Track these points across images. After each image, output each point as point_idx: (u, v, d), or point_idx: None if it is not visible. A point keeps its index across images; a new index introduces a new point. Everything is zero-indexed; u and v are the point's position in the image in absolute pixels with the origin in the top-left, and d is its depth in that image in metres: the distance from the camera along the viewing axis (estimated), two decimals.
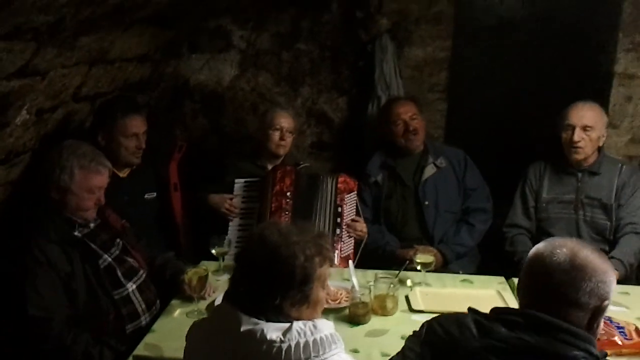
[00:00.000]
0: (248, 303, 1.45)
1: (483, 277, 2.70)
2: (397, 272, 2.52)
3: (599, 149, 2.93)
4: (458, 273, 3.03)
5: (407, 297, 2.42)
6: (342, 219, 2.93)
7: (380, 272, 2.41)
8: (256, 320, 1.42)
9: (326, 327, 1.48)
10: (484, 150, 3.51)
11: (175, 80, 3.83)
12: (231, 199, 3.02)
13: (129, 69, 3.18)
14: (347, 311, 2.25)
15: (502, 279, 2.65)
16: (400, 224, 3.21)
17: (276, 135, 3.11)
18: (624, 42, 3.39)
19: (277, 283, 1.43)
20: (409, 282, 2.56)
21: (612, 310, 2.29)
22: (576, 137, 2.82)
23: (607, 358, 1.46)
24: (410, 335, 1.60)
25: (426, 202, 3.15)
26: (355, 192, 3.03)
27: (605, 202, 2.87)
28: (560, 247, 1.44)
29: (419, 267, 2.53)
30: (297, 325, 1.42)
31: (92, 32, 2.43)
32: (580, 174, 2.94)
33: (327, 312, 2.24)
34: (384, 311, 2.27)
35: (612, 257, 2.71)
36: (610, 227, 2.88)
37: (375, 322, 2.23)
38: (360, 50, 3.61)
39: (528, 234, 3.08)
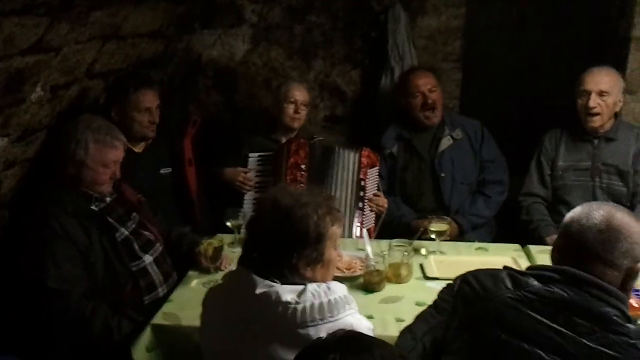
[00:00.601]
0: (262, 266, 1.48)
1: (498, 244, 2.70)
2: (411, 241, 2.52)
3: (616, 115, 2.88)
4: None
5: (421, 265, 2.42)
6: (364, 193, 2.94)
7: (394, 241, 2.41)
8: (270, 282, 1.44)
9: (339, 289, 1.50)
10: (500, 119, 3.49)
11: (188, 56, 3.83)
12: (245, 173, 3.04)
13: (142, 45, 3.19)
14: (361, 279, 2.27)
15: (518, 246, 2.64)
16: (416, 196, 3.21)
17: (291, 108, 3.11)
18: None
19: (293, 242, 1.46)
20: (423, 251, 2.56)
21: None
22: (592, 103, 2.77)
23: None
24: (443, 288, 1.64)
25: (442, 174, 3.14)
26: (378, 167, 3.03)
27: (622, 169, 2.84)
28: (597, 209, 1.47)
29: (433, 236, 2.54)
30: (312, 287, 1.45)
31: (104, 6, 2.44)
32: (596, 141, 2.90)
33: (342, 281, 2.24)
34: (398, 279, 2.28)
35: None
36: (627, 193, 2.84)
37: (389, 289, 2.24)
38: (373, 21, 3.58)
39: (544, 202, 3.06)
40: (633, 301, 2.00)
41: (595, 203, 1.52)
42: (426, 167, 3.19)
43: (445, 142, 3.16)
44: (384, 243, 2.65)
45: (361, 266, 2.33)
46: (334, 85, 3.78)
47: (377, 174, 3.04)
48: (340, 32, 3.68)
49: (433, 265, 2.41)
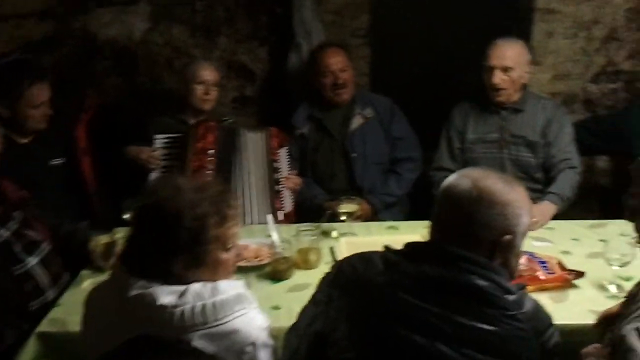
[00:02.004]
0: (140, 265, 1.33)
1: (409, 222, 2.66)
2: (319, 224, 2.44)
3: (524, 86, 2.88)
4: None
5: (331, 249, 2.34)
6: (279, 175, 2.83)
7: (302, 225, 2.32)
8: (147, 283, 1.29)
9: (231, 287, 1.37)
10: (412, 96, 3.44)
11: (84, 37, 3.56)
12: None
13: (28, 26, 2.92)
14: (269, 268, 2.16)
15: (429, 222, 2.59)
16: (328, 176, 3.13)
17: (200, 89, 2.94)
18: None
19: (162, 243, 1.31)
20: (334, 234, 2.48)
21: (536, 246, 2.32)
22: (496, 79, 2.75)
23: (533, 295, 1.43)
24: (321, 278, 1.52)
25: (354, 154, 3.07)
26: (287, 146, 2.92)
27: (530, 140, 2.85)
28: (464, 176, 1.37)
29: (343, 217, 2.45)
30: (194, 287, 1.31)
31: None
32: (504, 112, 2.89)
33: (248, 270, 2.15)
34: (307, 264, 2.19)
35: (549, 192, 2.69)
36: (536, 164, 2.86)
37: (298, 276, 2.15)
38: None
39: None
40: (540, 273, 2.00)
41: (467, 170, 1.42)
42: (337, 147, 3.11)
43: (357, 121, 3.09)
44: (294, 227, 2.56)
45: (269, 254, 2.22)
46: (240, 64, 3.62)
47: (287, 152, 2.92)
48: (243, 7, 3.51)
49: (344, 248, 2.33)
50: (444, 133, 3.07)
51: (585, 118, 3.39)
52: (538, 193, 2.88)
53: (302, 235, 2.22)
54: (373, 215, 3.00)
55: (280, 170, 2.84)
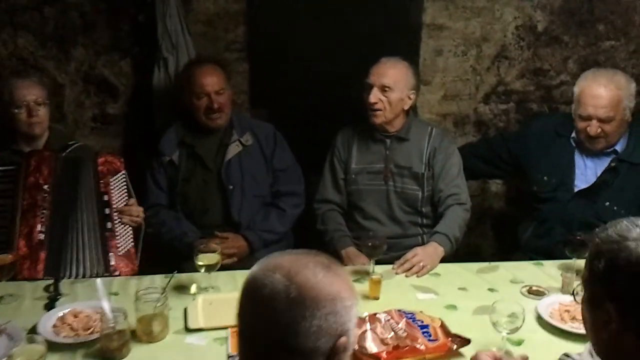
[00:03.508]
0: None
1: None
2: (171, 276, 2.07)
3: (407, 113, 2.63)
4: None
5: (185, 311, 1.97)
6: (111, 209, 2.39)
7: (145, 284, 1.93)
8: None
9: None
10: (296, 114, 3.16)
11: None
12: None
13: None
14: (99, 344, 1.75)
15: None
16: (200, 210, 2.75)
17: (22, 113, 2.45)
18: None
19: None
20: (193, 288, 2.11)
21: (420, 299, 2.06)
22: (372, 98, 2.50)
23: None
24: None
25: (231, 187, 2.70)
26: (124, 171, 2.47)
27: (416, 171, 2.60)
28: (274, 269, 1.05)
29: (202, 270, 2.09)
30: None
31: None
32: (388, 141, 2.63)
33: (74, 348, 1.74)
34: (149, 337, 1.80)
35: (436, 232, 2.46)
36: (422, 197, 2.62)
37: (137, 353, 1.76)
38: (141, 2, 3.01)
39: (340, 209, 2.76)
40: (420, 342, 1.72)
41: (275, 258, 1.09)
42: (212, 178, 2.74)
43: (234, 149, 2.73)
44: (147, 280, 2.18)
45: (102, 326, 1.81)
46: (101, 77, 3.17)
47: (124, 180, 2.47)
48: (103, 14, 3.07)
49: (199, 310, 1.96)
50: (328, 161, 2.78)
51: (477, 143, 3.20)
52: (426, 228, 2.66)
53: (143, 300, 1.82)
54: (250, 253, 2.66)
55: (112, 202, 2.41)
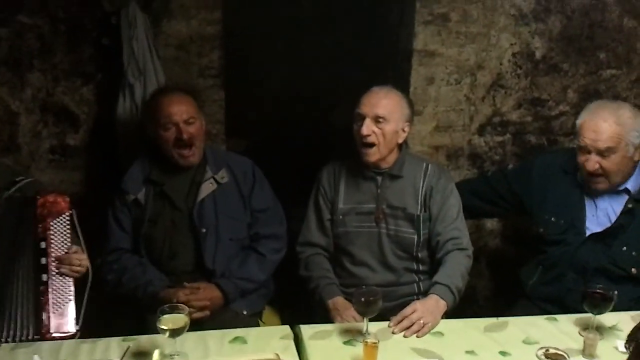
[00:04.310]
0: None
1: (261, 330, 2.06)
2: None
3: (400, 147, 2.37)
4: (242, 314, 2.38)
5: None
6: (48, 258, 2.05)
7: (99, 350, 1.62)
8: None
9: None
10: (276, 146, 2.91)
11: None
12: None
13: None
14: None
15: (286, 328, 1.99)
16: (167, 255, 2.43)
17: None
18: (422, 13, 2.87)
19: None
20: (155, 355, 1.79)
21: None
22: (365, 130, 2.25)
23: None
24: None
25: (204, 229, 2.40)
26: (68, 212, 2.13)
27: (410, 212, 2.34)
28: None
29: (166, 335, 1.77)
30: None
31: None
32: (380, 178, 2.37)
33: None
34: None
35: (437, 283, 2.18)
36: (417, 241, 2.35)
37: None
38: (105, 24, 2.73)
39: (325, 252, 2.48)
40: None
41: None
42: (183, 220, 2.43)
43: (207, 187, 2.43)
44: (101, 344, 1.86)
45: None
46: (60, 105, 2.87)
47: (67, 223, 2.13)
48: (63, 37, 2.77)
49: None
50: (313, 200, 2.51)
51: (474, 179, 2.97)
52: (422, 275, 2.39)
53: None
54: (225, 304, 2.37)
55: (50, 251, 2.06)
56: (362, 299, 1.89)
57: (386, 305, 2.14)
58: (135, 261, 2.41)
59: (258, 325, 2.41)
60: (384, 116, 2.26)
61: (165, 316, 1.76)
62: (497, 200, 2.63)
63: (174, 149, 2.39)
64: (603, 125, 2.22)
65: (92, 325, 2.08)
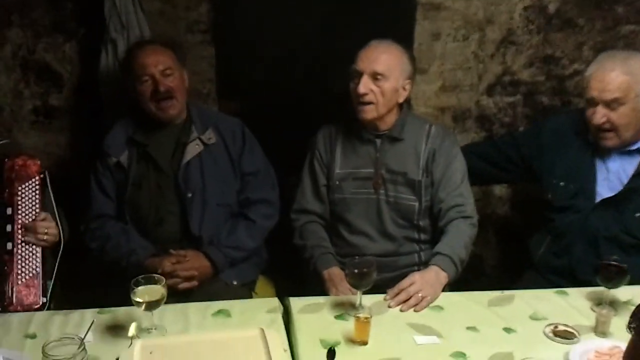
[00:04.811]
0: None
1: (246, 302, 1.92)
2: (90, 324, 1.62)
3: (401, 107, 2.20)
4: (232, 284, 2.26)
5: None
6: (14, 225, 1.92)
7: (72, 323, 1.50)
8: None
9: None
10: (270, 108, 2.73)
11: None
12: None
13: None
14: None
15: (275, 301, 1.86)
16: (153, 222, 2.30)
17: None
18: None
19: None
20: (132, 329, 1.67)
21: (419, 343, 1.64)
22: (362, 88, 2.08)
23: None
24: None
25: (189, 194, 2.26)
26: (38, 177, 2.01)
27: (411, 178, 2.18)
28: None
29: (142, 308, 1.64)
30: None
31: None
32: (379, 141, 2.20)
33: None
34: None
35: (437, 253, 2.03)
36: (418, 208, 2.19)
37: None
38: None
39: (321, 220, 2.33)
40: None
41: None
42: (167, 184, 2.29)
43: (193, 149, 2.29)
44: (75, 316, 1.74)
45: None
46: (42, 63, 2.73)
47: (36, 188, 2.01)
48: None
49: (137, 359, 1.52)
50: (307, 164, 2.35)
51: (481, 142, 2.79)
52: (424, 245, 2.25)
53: (53, 355, 1.37)
54: (214, 274, 2.24)
55: (16, 217, 1.94)
56: (355, 271, 1.74)
57: (385, 277, 2.05)
58: (118, 228, 2.28)
59: (250, 297, 2.28)
60: (383, 73, 2.08)
61: (139, 288, 1.63)
62: (505, 164, 2.46)
63: (152, 102, 2.24)
64: (610, 74, 2.08)
65: (72, 296, 1.98)
